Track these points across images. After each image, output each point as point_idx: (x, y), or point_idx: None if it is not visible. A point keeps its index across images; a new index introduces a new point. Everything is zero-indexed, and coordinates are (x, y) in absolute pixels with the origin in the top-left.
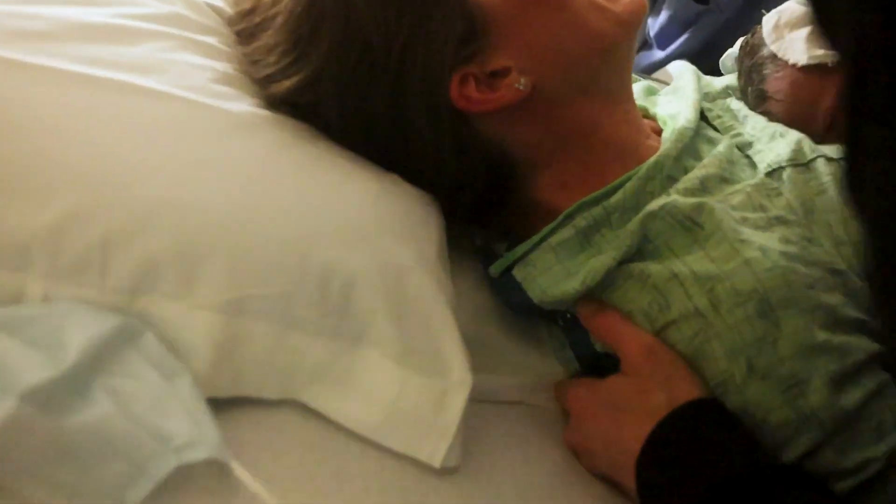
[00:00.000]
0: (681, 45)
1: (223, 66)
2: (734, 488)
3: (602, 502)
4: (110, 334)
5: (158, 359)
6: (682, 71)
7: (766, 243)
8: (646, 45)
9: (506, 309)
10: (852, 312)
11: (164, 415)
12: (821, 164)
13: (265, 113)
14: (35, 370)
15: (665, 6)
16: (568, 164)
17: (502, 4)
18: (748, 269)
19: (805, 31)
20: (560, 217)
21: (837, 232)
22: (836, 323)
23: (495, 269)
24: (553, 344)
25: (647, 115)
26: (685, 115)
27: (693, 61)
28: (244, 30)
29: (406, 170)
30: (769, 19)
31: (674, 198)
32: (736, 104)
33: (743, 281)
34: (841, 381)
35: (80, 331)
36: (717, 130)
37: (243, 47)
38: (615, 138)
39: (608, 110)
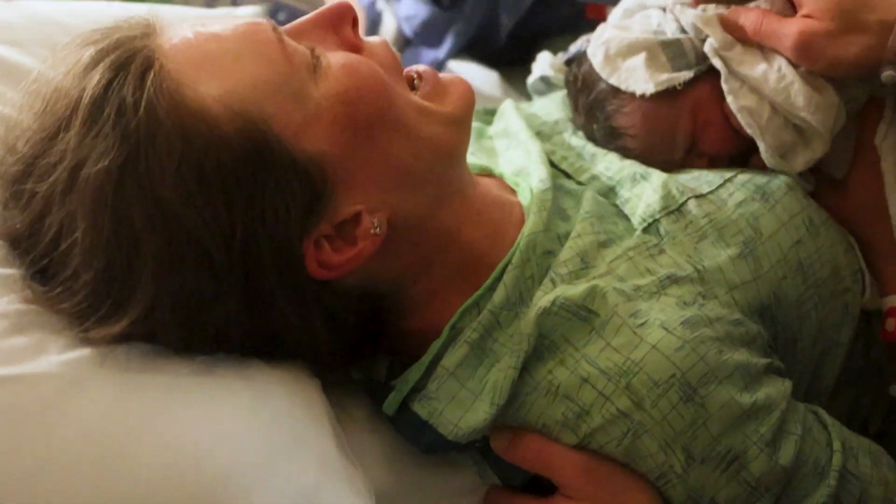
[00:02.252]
0: (451, 45)
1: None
2: None
3: None
4: None
5: None
6: (506, 110)
7: (665, 317)
8: (408, 42)
9: (406, 443)
10: (760, 360)
11: None
12: (693, 206)
13: (84, 353)
14: None
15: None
16: (439, 274)
17: (334, 146)
18: (659, 355)
19: (641, 58)
20: (445, 331)
21: (728, 276)
22: (753, 379)
23: (390, 406)
24: (470, 464)
25: (492, 174)
26: (537, 173)
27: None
28: (31, 255)
29: (271, 353)
30: (596, 51)
31: (562, 289)
32: (577, 140)
33: (657, 369)
34: (774, 439)
35: None
36: (567, 175)
37: (37, 284)
38: (479, 230)
39: (464, 206)
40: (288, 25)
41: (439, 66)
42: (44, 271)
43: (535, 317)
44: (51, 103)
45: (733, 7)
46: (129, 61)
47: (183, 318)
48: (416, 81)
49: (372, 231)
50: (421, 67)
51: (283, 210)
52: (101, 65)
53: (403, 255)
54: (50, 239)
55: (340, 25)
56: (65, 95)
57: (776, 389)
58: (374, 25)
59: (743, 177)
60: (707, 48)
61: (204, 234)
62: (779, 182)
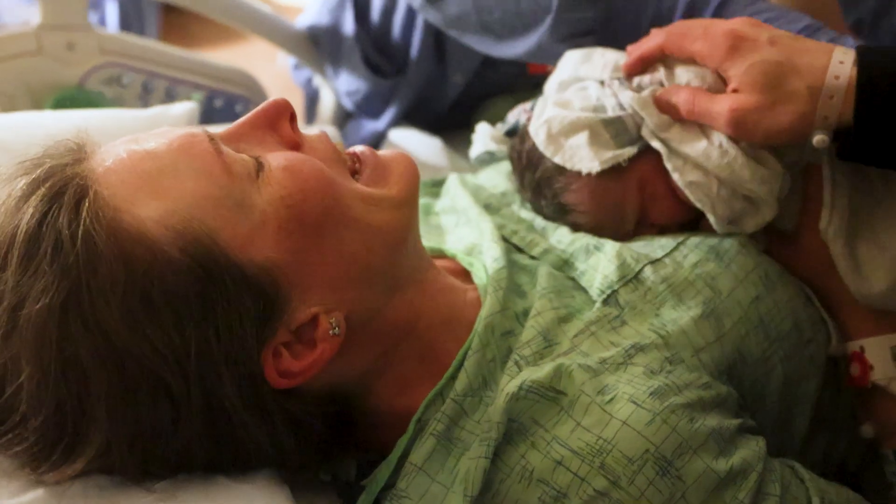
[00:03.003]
0: (393, 114)
1: None
2: None
3: None
4: None
5: None
6: (451, 186)
7: (633, 390)
8: (349, 116)
9: None
10: (732, 421)
11: None
12: (649, 273)
13: (38, 495)
14: None
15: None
16: (402, 366)
17: (284, 251)
18: (630, 431)
19: (584, 136)
20: (410, 425)
21: (693, 338)
22: (727, 443)
23: None
24: None
25: (444, 255)
26: (490, 251)
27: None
28: None
29: (236, 467)
30: (538, 131)
31: (528, 372)
32: (526, 213)
33: (630, 445)
34: (754, 503)
35: None
36: (519, 250)
37: None
38: (438, 316)
39: (420, 293)
40: (225, 130)
41: (380, 137)
42: None
43: (503, 404)
44: None
45: (666, 87)
46: (62, 191)
47: (142, 450)
48: (357, 166)
49: (331, 332)
50: (359, 149)
51: (238, 325)
52: (34, 197)
53: (364, 351)
54: None
55: (279, 123)
56: None
57: (751, 451)
58: (311, 103)
59: (695, 239)
60: (645, 131)
61: (157, 362)
62: (731, 241)
